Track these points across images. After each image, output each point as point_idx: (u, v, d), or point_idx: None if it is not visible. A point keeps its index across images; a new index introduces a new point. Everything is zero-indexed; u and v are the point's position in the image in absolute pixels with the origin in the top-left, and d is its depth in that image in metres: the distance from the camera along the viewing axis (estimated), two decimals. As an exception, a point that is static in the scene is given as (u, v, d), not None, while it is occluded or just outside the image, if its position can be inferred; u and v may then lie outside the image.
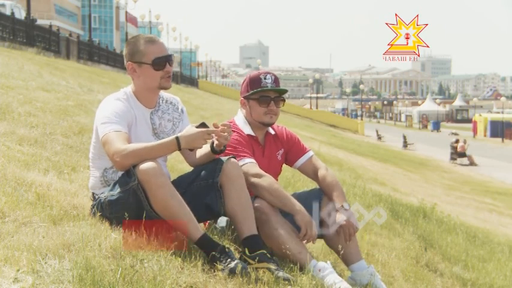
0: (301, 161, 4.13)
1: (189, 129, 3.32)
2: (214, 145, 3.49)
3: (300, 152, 4.14)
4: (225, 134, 3.39)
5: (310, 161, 4.13)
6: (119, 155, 3.29)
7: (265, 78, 3.97)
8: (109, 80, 19.95)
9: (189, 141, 3.29)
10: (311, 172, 4.11)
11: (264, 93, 3.95)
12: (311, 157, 4.14)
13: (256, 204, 3.59)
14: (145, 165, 3.22)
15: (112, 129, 3.37)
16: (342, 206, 3.89)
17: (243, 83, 4.06)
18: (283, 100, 4.04)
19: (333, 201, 3.92)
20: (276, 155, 4.10)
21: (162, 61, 3.52)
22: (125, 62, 3.60)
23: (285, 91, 4.04)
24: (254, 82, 3.98)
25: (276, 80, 4.00)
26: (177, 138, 3.30)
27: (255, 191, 3.65)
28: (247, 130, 3.98)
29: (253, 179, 3.67)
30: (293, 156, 4.15)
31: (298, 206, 3.69)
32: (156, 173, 3.21)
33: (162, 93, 3.73)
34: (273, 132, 4.12)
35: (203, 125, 3.35)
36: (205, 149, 3.57)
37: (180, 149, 3.34)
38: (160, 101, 3.69)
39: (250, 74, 4.09)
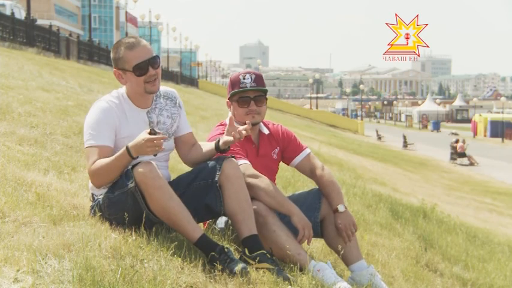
0: (298, 159, 4.12)
1: (138, 136, 3.27)
2: (220, 143, 3.50)
3: (297, 150, 4.13)
4: (244, 132, 3.42)
5: (307, 159, 4.12)
6: (89, 175, 3.41)
7: (244, 79, 3.94)
8: (109, 80, 19.95)
9: (137, 149, 3.26)
10: (308, 170, 4.11)
11: (242, 93, 3.93)
12: (308, 155, 4.13)
13: (253, 207, 3.58)
14: (142, 167, 3.22)
15: (90, 144, 3.41)
16: (337, 208, 3.89)
17: (227, 84, 4.07)
18: (266, 99, 4.02)
19: (330, 203, 3.93)
20: (271, 155, 4.09)
21: (144, 66, 3.46)
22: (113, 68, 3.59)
23: (265, 90, 4.00)
24: (234, 83, 3.97)
25: (256, 79, 3.95)
26: (127, 147, 3.28)
27: (251, 192, 3.63)
28: None
29: (250, 180, 3.66)
30: (290, 155, 4.14)
31: (295, 207, 3.69)
32: (153, 175, 3.21)
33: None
34: (267, 131, 4.10)
35: (152, 131, 3.28)
36: (210, 146, 3.58)
37: (133, 158, 3.29)
38: (156, 98, 3.68)
39: (232, 75, 4.08)
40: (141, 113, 3.59)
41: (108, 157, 3.36)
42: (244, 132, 3.47)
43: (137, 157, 3.29)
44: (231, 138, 3.49)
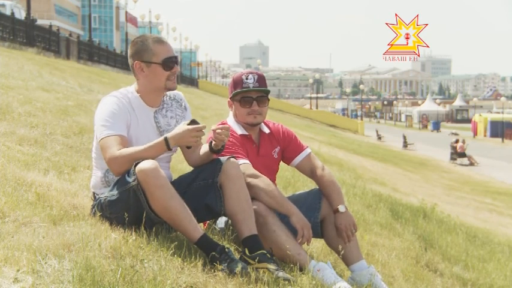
0: (299, 158, 4.12)
1: (178, 127, 3.34)
2: (212, 144, 3.49)
3: (297, 150, 4.13)
4: (222, 136, 3.40)
5: (308, 159, 4.12)
6: (113, 162, 3.35)
7: (247, 79, 3.95)
8: (109, 80, 19.96)
9: (178, 139, 3.31)
10: (308, 170, 4.10)
11: (245, 94, 3.94)
12: (309, 155, 4.13)
13: (253, 207, 3.58)
14: (144, 166, 3.22)
15: (107, 133, 3.40)
16: (337, 209, 3.89)
17: (229, 84, 4.07)
18: (268, 99, 4.02)
19: (330, 203, 3.93)
20: (272, 154, 4.09)
21: (172, 61, 3.54)
22: (131, 61, 3.58)
23: (267, 91, 4.01)
24: (237, 83, 3.97)
25: (259, 80, 3.96)
26: (165, 138, 3.32)
27: (251, 192, 3.63)
28: (240, 130, 3.97)
29: (250, 180, 3.66)
30: (290, 154, 4.13)
31: (294, 207, 3.70)
32: (155, 174, 3.21)
33: None
34: (267, 131, 4.10)
35: (194, 122, 3.35)
36: (205, 148, 3.58)
37: (170, 149, 3.35)
38: (165, 99, 3.70)
39: (234, 74, 4.09)
40: (149, 112, 3.60)
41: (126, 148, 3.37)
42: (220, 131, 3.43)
43: (173, 148, 3.37)
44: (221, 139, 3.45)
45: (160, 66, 3.52)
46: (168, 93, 3.71)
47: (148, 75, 3.55)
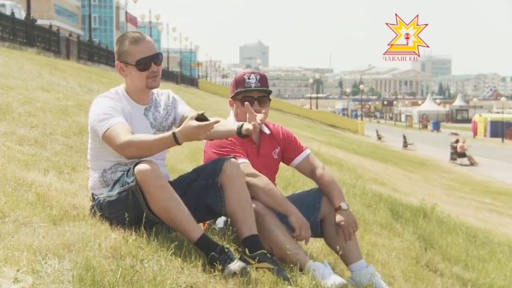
0: (299, 159, 4.13)
1: (186, 123, 3.18)
2: (242, 130, 3.39)
3: (297, 150, 4.14)
4: (259, 120, 3.34)
5: (307, 160, 4.13)
6: (125, 146, 3.26)
7: (249, 78, 3.95)
8: (109, 80, 19.95)
9: (187, 136, 3.19)
10: (308, 170, 4.11)
11: (247, 93, 3.94)
12: (308, 155, 4.14)
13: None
14: (143, 167, 3.21)
15: (111, 123, 3.35)
16: (340, 206, 3.89)
17: (231, 83, 4.07)
18: (269, 99, 4.02)
19: (331, 201, 3.93)
20: (272, 154, 4.10)
21: (147, 61, 3.49)
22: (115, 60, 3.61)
23: (269, 91, 4.01)
24: (239, 82, 3.98)
25: (261, 80, 3.97)
26: (173, 134, 3.21)
27: (249, 191, 3.63)
28: None
29: (249, 179, 3.66)
30: (290, 155, 4.14)
31: (293, 207, 3.70)
32: (154, 174, 3.20)
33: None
34: (267, 131, 4.11)
35: (202, 116, 3.22)
36: (229, 126, 3.47)
37: (179, 144, 3.24)
38: (154, 97, 3.69)
39: (236, 74, 4.09)
40: (140, 110, 3.60)
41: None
42: (259, 121, 3.41)
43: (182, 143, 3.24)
44: (251, 126, 3.37)
45: (135, 68, 3.49)
46: (155, 91, 3.69)
47: (128, 75, 3.55)
